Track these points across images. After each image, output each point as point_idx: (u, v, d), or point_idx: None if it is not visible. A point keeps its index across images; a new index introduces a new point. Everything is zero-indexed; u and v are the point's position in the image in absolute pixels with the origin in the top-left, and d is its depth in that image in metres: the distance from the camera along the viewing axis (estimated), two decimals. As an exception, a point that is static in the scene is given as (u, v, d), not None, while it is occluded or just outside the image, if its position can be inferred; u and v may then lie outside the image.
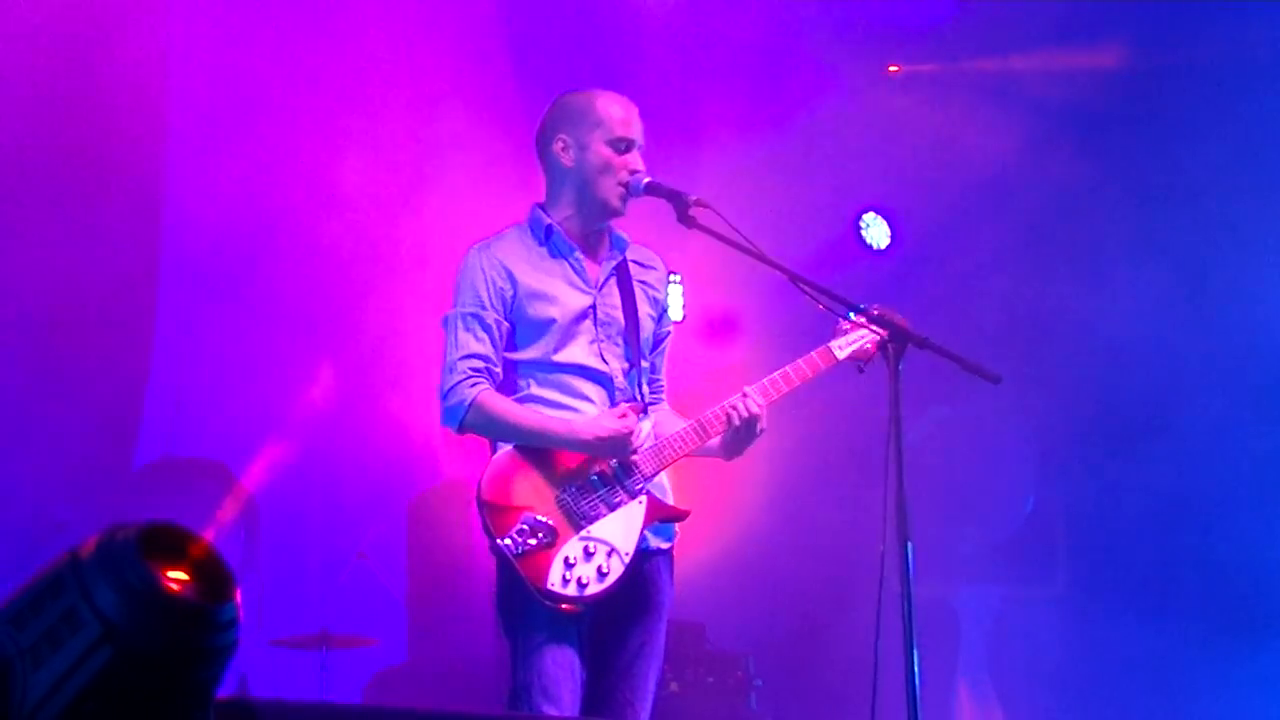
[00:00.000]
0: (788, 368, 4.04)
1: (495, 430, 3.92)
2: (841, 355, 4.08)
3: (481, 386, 3.90)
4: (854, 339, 4.08)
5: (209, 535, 6.98)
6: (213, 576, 1.80)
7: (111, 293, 6.44)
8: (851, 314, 4.01)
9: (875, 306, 3.97)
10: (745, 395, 3.96)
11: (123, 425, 6.69)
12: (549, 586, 3.76)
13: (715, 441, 4.03)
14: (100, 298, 6.38)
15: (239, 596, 1.87)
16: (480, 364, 3.93)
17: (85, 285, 6.34)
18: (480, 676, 6.66)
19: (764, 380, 4.01)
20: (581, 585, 3.79)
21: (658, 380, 4.21)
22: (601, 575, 3.81)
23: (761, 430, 3.98)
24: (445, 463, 6.96)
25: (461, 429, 3.91)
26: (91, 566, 1.72)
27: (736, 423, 3.94)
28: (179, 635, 1.73)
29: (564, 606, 3.79)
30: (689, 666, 6.74)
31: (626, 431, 3.87)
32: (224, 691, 1.95)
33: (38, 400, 6.23)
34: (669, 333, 4.25)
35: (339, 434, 6.89)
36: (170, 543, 1.79)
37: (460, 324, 3.97)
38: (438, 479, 7.32)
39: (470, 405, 3.88)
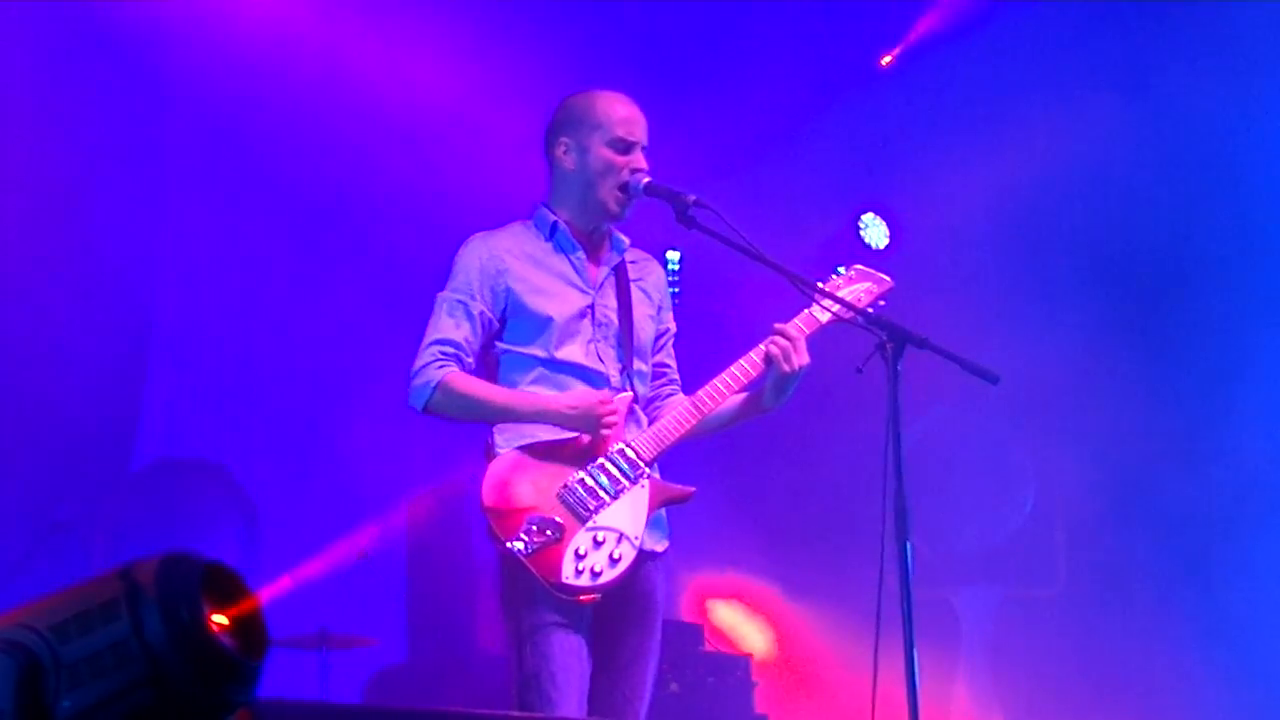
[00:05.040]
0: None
1: (462, 409, 3.93)
2: (823, 318, 4.02)
3: (449, 369, 3.92)
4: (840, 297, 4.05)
5: (209, 535, 6.99)
6: (252, 630, 1.77)
7: (111, 293, 6.44)
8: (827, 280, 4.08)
9: (854, 266, 4.12)
10: (778, 330, 3.93)
11: (122, 425, 6.69)
12: (563, 580, 3.75)
13: (736, 400, 4.00)
14: (99, 297, 6.39)
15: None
16: (451, 349, 3.94)
17: (84, 285, 6.34)
18: (480, 676, 6.65)
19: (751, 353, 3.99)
20: (595, 574, 3.78)
21: (666, 375, 4.22)
22: (614, 561, 3.81)
23: (803, 366, 3.92)
24: (445, 463, 6.95)
25: (426, 409, 3.93)
26: (150, 602, 1.67)
27: (777, 354, 3.90)
28: (216, 686, 1.70)
29: (582, 598, 3.79)
30: (689, 666, 6.72)
31: (596, 402, 3.86)
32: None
33: (37, 399, 6.22)
34: (670, 329, 4.25)
35: (339, 434, 6.88)
36: (225, 586, 1.76)
37: (444, 307, 4.00)
38: (438, 479, 7.31)
39: (436, 386, 3.90)
